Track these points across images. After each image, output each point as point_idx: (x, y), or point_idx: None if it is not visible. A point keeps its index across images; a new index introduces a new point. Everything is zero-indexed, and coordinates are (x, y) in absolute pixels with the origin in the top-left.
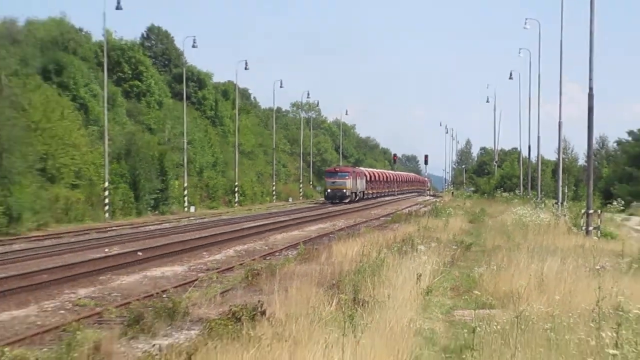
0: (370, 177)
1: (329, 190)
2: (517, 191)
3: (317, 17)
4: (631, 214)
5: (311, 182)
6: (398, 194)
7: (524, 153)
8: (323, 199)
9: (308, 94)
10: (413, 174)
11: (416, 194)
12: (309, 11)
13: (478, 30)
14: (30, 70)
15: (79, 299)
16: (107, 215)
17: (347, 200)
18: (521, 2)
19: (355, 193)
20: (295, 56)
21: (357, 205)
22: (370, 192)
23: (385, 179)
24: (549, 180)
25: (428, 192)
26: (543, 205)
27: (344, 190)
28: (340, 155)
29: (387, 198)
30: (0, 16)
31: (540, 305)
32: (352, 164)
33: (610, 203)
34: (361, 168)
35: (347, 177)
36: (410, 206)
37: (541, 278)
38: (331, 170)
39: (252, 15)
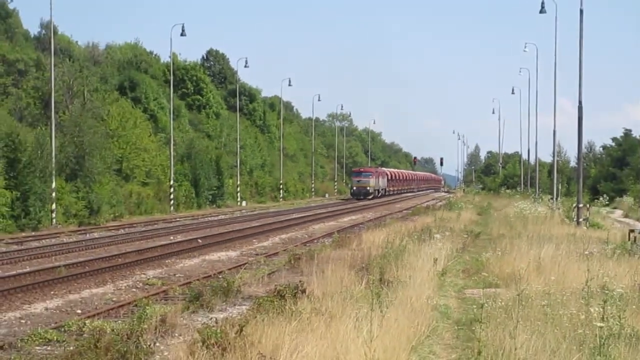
0: (391, 176)
1: (354, 188)
2: (518, 188)
3: (348, 38)
4: (614, 208)
5: (344, 181)
6: (417, 191)
7: (524, 156)
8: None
9: (342, 107)
10: (429, 174)
11: (433, 190)
12: (341, 34)
13: (487, 47)
14: (108, 87)
15: (148, 279)
16: (172, 208)
17: (370, 197)
18: (523, 24)
19: (378, 190)
20: (330, 72)
21: (382, 200)
22: (391, 189)
23: (404, 178)
24: (545, 179)
25: (443, 189)
26: (540, 200)
27: (368, 188)
28: (369, 158)
29: (408, 194)
30: (84, 41)
31: (538, 284)
32: (378, 165)
33: (597, 198)
34: (383, 168)
35: (370, 177)
36: (427, 201)
37: (539, 262)
38: (357, 171)
39: (293, 37)
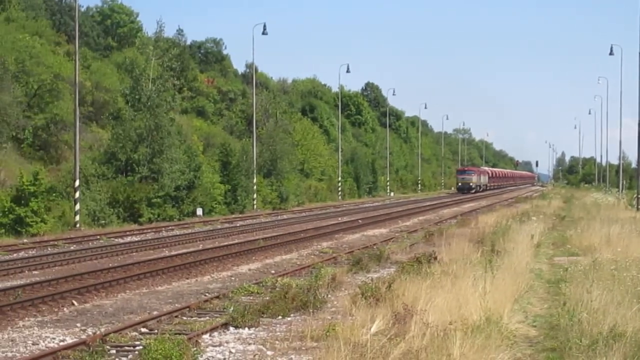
0: (492, 174)
1: (459, 184)
2: (593, 183)
3: (471, 72)
4: None
5: None
6: (516, 186)
7: (598, 160)
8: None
9: (464, 123)
10: (525, 172)
11: (530, 185)
12: (466, 69)
13: (572, 77)
14: (294, 110)
15: (323, 248)
16: (339, 197)
17: (472, 191)
18: (600, 60)
19: (479, 186)
20: (455, 96)
21: (488, 193)
22: (491, 185)
23: (503, 175)
24: (613, 176)
25: (537, 184)
26: (609, 192)
27: (470, 184)
28: (483, 161)
29: (508, 188)
30: (277, 76)
31: (608, 254)
32: (490, 166)
33: None
34: (484, 167)
35: (472, 174)
36: (526, 193)
37: (608, 237)
38: (461, 169)
39: (429, 71)
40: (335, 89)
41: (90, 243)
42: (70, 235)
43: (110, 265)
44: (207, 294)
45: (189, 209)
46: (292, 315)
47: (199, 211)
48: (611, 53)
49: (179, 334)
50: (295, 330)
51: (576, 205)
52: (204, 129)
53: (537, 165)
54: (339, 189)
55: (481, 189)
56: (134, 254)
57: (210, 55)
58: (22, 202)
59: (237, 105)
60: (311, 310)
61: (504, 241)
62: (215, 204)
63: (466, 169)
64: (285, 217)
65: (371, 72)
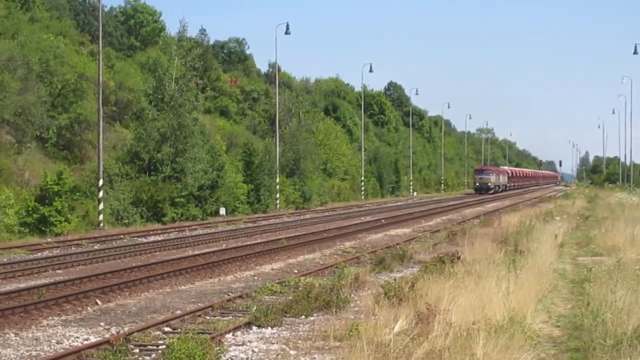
0: (512, 173)
1: (477, 184)
2: (617, 183)
3: (493, 72)
4: None
5: None
6: (538, 186)
7: (622, 159)
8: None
9: (487, 123)
10: (547, 172)
11: (552, 185)
12: (488, 68)
13: (595, 77)
14: (317, 109)
15: (345, 248)
16: (362, 197)
17: (491, 192)
18: (624, 60)
19: (498, 186)
20: (478, 95)
21: (510, 193)
22: (511, 184)
23: (524, 175)
24: (638, 176)
25: (560, 184)
26: (634, 192)
27: (489, 184)
28: (507, 161)
29: (530, 189)
30: (299, 76)
31: (633, 254)
32: (513, 165)
33: None
34: (504, 167)
35: (491, 174)
36: (549, 193)
37: (633, 237)
38: (479, 169)
39: (452, 71)
40: (358, 88)
41: (113, 242)
42: (93, 235)
43: (134, 264)
44: (230, 294)
45: (212, 209)
46: (315, 314)
47: (222, 211)
48: (635, 52)
49: (202, 333)
50: (318, 329)
51: (600, 205)
52: (227, 128)
53: (560, 165)
54: (362, 188)
55: (500, 189)
56: (157, 253)
57: (233, 55)
58: (46, 201)
59: (260, 104)
60: (334, 310)
61: (527, 241)
62: (238, 203)
63: (484, 168)
64: (308, 216)
65: (394, 71)
